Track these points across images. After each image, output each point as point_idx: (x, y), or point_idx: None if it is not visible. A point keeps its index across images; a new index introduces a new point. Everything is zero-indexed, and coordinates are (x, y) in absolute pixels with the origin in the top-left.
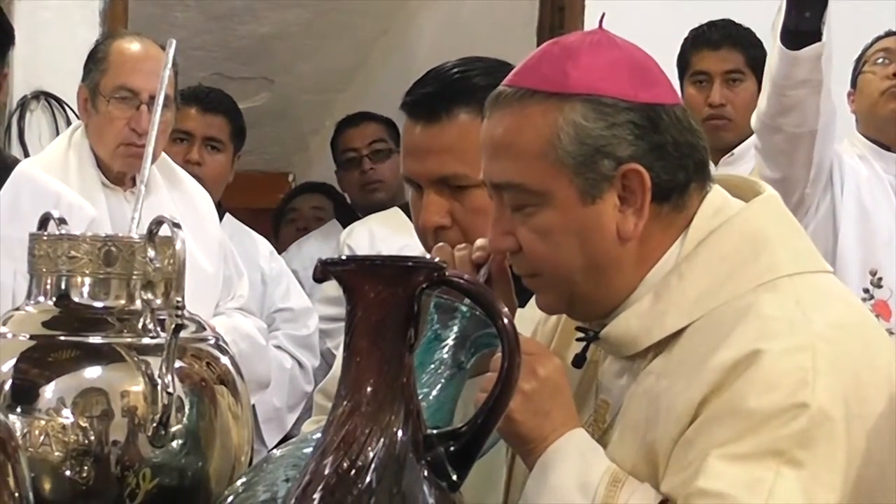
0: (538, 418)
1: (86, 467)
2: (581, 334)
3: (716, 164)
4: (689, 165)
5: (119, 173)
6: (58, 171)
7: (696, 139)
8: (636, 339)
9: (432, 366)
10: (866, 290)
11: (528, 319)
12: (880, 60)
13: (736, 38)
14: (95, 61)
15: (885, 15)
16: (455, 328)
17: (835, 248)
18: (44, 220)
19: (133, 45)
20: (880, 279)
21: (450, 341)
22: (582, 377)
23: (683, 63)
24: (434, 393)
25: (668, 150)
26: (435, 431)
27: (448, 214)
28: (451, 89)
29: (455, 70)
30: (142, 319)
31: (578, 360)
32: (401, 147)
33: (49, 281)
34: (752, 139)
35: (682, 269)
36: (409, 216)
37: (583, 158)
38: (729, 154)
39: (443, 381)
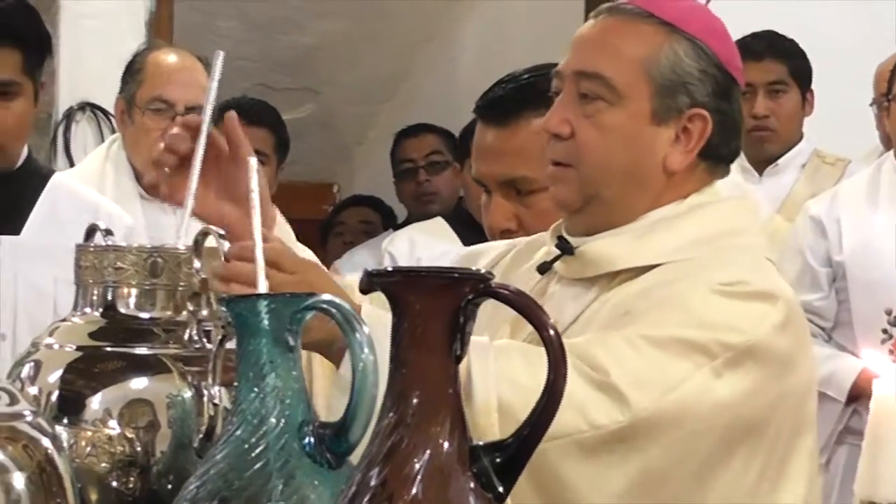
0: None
1: (132, 478)
2: (557, 243)
3: (760, 174)
4: (733, 146)
5: (155, 183)
6: (95, 182)
7: (741, 131)
8: (614, 259)
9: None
10: (885, 331)
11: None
12: None
13: (779, 48)
14: (132, 73)
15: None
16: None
17: (847, 296)
18: (90, 232)
19: (169, 57)
20: None
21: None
22: None
23: None
24: (291, 387)
25: (727, 122)
26: (481, 443)
27: (514, 218)
28: (522, 94)
29: (528, 75)
30: (188, 330)
31: (544, 267)
32: (472, 149)
33: (95, 292)
34: (796, 150)
35: (673, 222)
36: (451, 226)
37: (669, 84)
38: (773, 164)
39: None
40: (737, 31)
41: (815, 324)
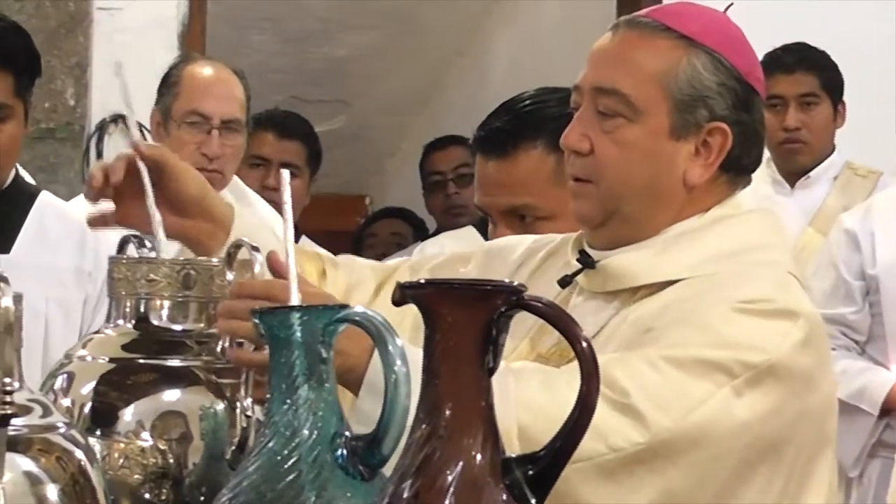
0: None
1: (164, 490)
2: (579, 256)
3: (792, 186)
4: (754, 155)
5: None
6: None
7: (764, 139)
8: (637, 274)
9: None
10: None
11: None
12: None
13: (810, 61)
14: (168, 85)
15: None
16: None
17: (881, 309)
18: (123, 243)
19: (205, 70)
20: None
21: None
22: None
23: None
24: (324, 398)
25: (748, 133)
26: (513, 455)
27: None
28: (520, 124)
29: (528, 102)
30: (220, 342)
31: (566, 281)
32: (475, 179)
33: (128, 304)
34: (828, 162)
35: (695, 235)
36: (483, 235)
37: (688, 99)
38: (805, 177)
39: (315, 384)
40: (768, 41)
41: (849, 337)
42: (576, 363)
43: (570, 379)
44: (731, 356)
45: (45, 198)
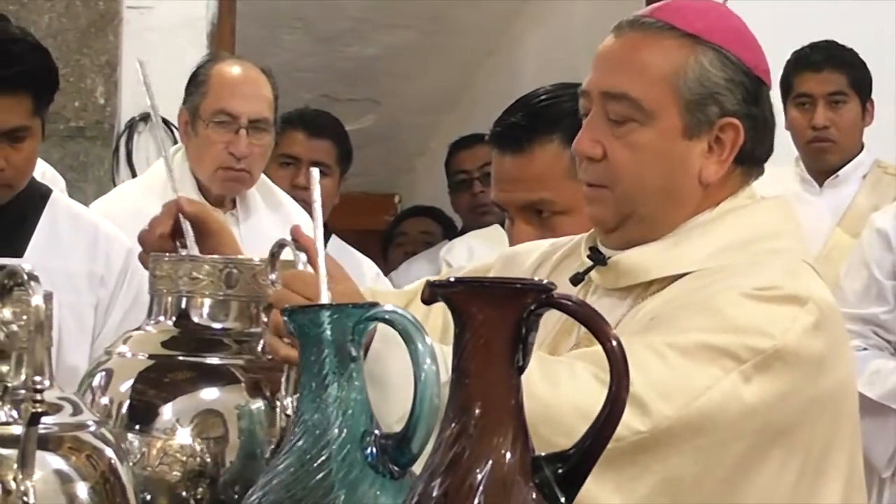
0: None
1: (201, 488)
2: (590, 254)
3: (820, 185)
4: (767, 145)
5: (218, 196)
6: (159, 193)
7: (774, 128)
8: (649, 269)
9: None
10: None
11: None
12: None
13: (838, 59)
14: (196, 84)
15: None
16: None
17: None
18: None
19: (233, 69)
20: None
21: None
22: None
23: (786, 85)
24: (353, 397)
25: (759, 125)
26: (543, 454)
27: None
28: (536, 119)
29: (544, 97)
30: (260, 342)
31: (577, 279)
32: (491, 175)
33: (169, 301)
34: (857, 161)
35: (707, 228)
36: None
37: (698, 98)
38: (834, 176)
39: (345, 383)
40: (792, 40)
41: (882, 337)
42: (578, 351)
43: (570, 371)
44: (738, 341)
45: (56, 198)
